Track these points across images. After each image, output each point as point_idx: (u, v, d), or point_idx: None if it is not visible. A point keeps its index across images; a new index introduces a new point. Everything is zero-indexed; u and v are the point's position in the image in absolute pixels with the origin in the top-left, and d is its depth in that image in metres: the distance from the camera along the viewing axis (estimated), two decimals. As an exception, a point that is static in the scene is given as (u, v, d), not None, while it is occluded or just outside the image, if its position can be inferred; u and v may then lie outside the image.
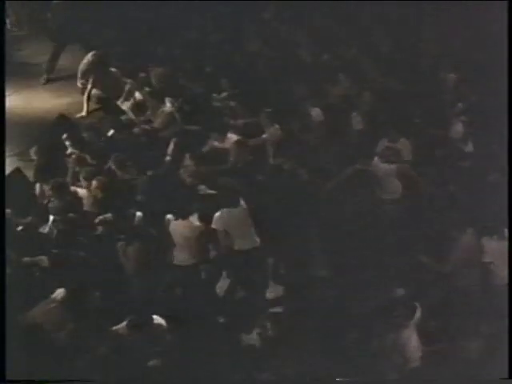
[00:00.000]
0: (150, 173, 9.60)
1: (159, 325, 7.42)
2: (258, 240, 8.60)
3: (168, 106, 10.98)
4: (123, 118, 11.25)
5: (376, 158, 9.32)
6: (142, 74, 11.90)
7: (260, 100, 11.03)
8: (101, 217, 8.92)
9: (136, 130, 10.75)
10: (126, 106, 11.53)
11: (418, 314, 7.03)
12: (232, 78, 11.75)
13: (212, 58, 12.56)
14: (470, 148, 10.25)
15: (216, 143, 10.21)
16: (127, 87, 11.78)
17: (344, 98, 11.32)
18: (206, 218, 8.53)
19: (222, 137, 10.22)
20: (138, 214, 8.84)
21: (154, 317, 7.42)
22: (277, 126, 10.34)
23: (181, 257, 8.55)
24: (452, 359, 6.83)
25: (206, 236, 8.56)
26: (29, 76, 13.08)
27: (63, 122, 11.62)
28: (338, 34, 13.18)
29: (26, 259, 8.18)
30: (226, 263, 8.65)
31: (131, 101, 11.50)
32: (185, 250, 8.52)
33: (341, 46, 12.81)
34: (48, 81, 13.03)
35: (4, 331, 6.27)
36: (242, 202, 8.69)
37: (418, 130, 10.50)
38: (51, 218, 8.92)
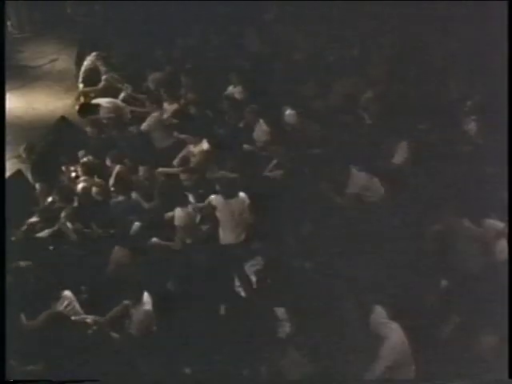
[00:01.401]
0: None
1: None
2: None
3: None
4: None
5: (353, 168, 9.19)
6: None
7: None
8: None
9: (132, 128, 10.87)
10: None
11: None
12: (234, 81, 11.79)
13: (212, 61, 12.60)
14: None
15: (192, 147, 10.18)
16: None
17: (347, 99, 11.30)
18: None
19: (198, 141, 10.16)
20: (137, 223, 8.93)
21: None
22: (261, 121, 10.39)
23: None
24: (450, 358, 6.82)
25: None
26: (30, 78, 13.14)
27: (64, 123, 11.64)
28: (341, 35, 13.19)
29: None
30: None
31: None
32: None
33: (344, 47, 12.83)
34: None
35: (4, 331, 6.28)
36: (242, 195, 8.78)
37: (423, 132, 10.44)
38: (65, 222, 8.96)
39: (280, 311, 7.31)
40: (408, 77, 11.78)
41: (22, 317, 7.42)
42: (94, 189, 9.58)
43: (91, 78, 12.26)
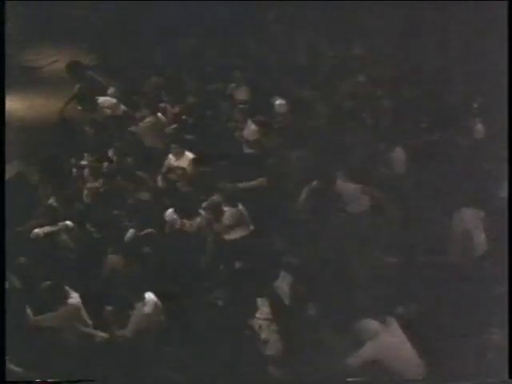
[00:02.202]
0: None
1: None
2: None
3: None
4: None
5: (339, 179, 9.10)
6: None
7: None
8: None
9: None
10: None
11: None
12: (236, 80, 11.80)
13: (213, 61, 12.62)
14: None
15: (173, 161, 10.03)
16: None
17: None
18: None
19: (180, 153, 10.05)
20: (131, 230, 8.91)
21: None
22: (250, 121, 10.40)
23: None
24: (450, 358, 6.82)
25: None
26: (31, 79, 13.15)
27: (65, 124, 11.65)
28: (342, 34, 13.21)
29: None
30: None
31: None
32: None
33: (344, 47, 12.86)
34: None
35: (4, 331, 6.30)
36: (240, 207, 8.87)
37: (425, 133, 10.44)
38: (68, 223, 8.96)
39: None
40: (409, 78, 11.82)
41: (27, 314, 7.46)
42: (96, 189, 9.61)
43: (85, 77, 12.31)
